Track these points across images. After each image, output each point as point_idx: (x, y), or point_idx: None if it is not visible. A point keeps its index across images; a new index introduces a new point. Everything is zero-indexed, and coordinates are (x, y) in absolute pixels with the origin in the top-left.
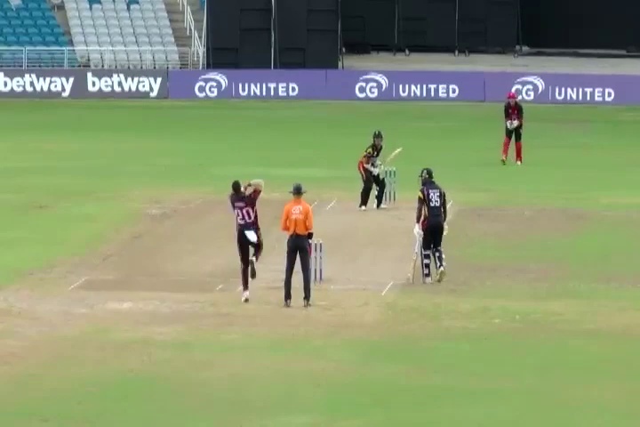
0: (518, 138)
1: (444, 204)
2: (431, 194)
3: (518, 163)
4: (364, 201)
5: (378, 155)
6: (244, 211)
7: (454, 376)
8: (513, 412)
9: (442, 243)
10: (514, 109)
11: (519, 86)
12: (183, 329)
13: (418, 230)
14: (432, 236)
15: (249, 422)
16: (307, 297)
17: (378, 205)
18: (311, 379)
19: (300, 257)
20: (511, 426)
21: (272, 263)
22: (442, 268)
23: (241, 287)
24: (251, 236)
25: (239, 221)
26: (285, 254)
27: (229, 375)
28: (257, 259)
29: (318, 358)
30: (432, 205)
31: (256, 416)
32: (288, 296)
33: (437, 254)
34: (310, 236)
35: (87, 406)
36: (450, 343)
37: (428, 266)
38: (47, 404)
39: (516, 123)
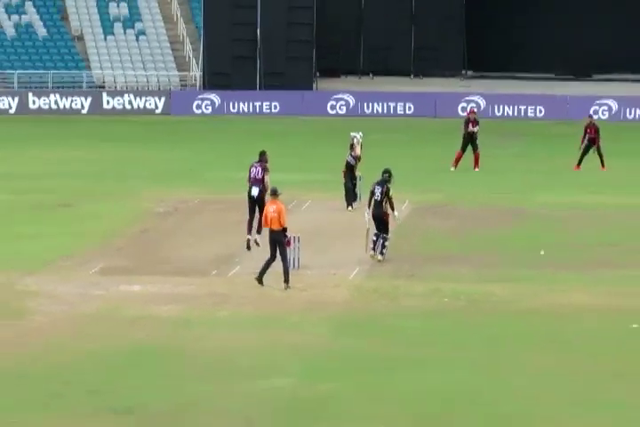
0: (476, 148)
1: (388, 198)
2: (375, 190)
3: (476, 170)
4: (349, 203)
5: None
6: (257, 169)
7: (411, 347)
8: (460, 376)
9: (389, 232)
10: (474, 123)
11: (464, 104)
12: (183, 307)
13: (367, 216)
14: (376, 223)
15: (239, 385)
16: (286, 281)
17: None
18: (291, 349)
19: (278, 248)
20: (458, 388)
21: (262, 252)
22: (379, 256)
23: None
24: (254, 191)
25: (251, 178)
26: None
27: (222, 346)
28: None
29: (296, 332)
30: (375, 198)
31: (244, 380)
32: (261, 275)
33: (381, 241)
34: (284, 231)
35: (102, 371)
36: (407, 319)
37: (374, 242)
38: (68, 369)
39: (476, 129)
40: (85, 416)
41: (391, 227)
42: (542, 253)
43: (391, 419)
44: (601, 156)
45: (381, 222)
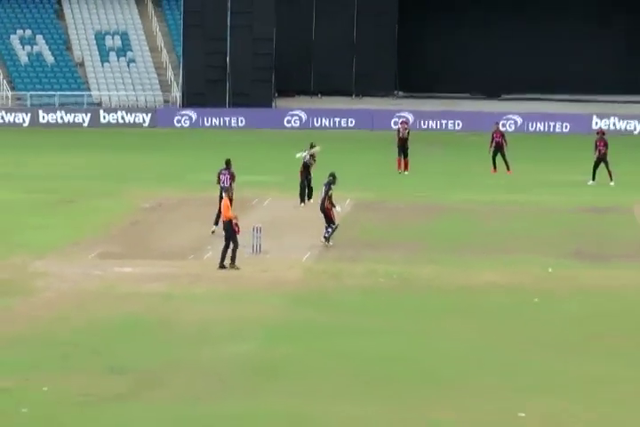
0: (406, 155)
1: (328, 196)
2: (323, 189)
3: (406, 173)
4: (302, 200)
5: (314, 160)
6: (226, 177)
7: (354, 317)
8: (394, 341)
9: (335, 223)
10: (406, 132)
11: (396, 119)
12: (166, 285)
13: (338, 208)
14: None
15: (212, 349)
16: (232, 262)
17: (302, 202)
18: (255, 319)
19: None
20: (393, 351)
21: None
22: (324, 241)
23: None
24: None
25: (221, 184)
26: None
27: (198, 317)
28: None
29: (259, 305)
30: (321, 196)
31: (217, 345)
32: (221, 262)
33: (327, 231)
34: (230, 222)
35: (101, 337)
36: (350, 295)
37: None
38: (74, 335)
39: (405, 142)
40: (89, 374)
41: (337, 220)
42: (536, 300)
43: (338, 377)
44: (506, 161)
45: (325, 216)
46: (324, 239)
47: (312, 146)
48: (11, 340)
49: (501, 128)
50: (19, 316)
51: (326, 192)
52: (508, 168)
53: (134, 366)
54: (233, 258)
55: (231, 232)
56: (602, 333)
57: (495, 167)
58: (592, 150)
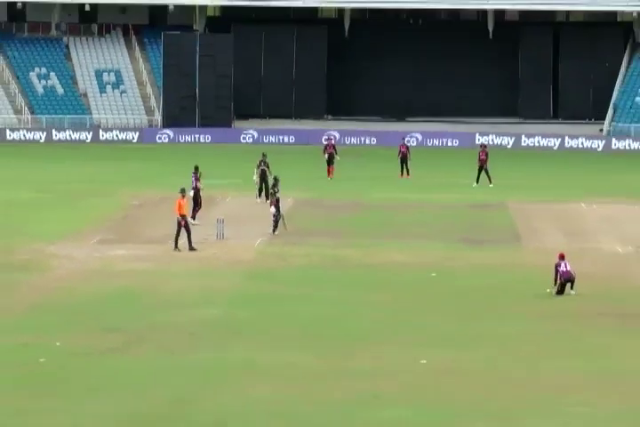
0: (332, 164)
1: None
2: (276, 190)
3: (330, 178)
4: (260, 195)
5: (268, 166)
6: (193, 179)
7: (296, 289)
8: (324, 308)
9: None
10: (332, 147)
11: (326, 137)
12: (150, 264)
13: (272, 207)
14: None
15: (185, 313)
16: (190, 246)
17: (258, 197)
18: (219, 290)
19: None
20: (324, 314)
21: (199, 230)
22: (272, 230)
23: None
24: (191, 192)
25: (192, 185)
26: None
27: (174, 288)
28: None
29: (222, 279)
30: (276, 196)
31: (188, 310)
32: (175, 246)
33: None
34: (182, 216)
35: (99, 304)
36: (293, 271)
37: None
38: (79, 303)
39: (332, 155)
40: (90, 333)
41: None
42: (433, 274)
43: (283, 334)
44: (408, 168)
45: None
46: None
47: (264, 155)
48: (30, 306)
49: (406, 143)
50: (36, 287)
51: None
52: (408, 173)
53: (125, 327)
54: (189, 242)
55: (180, 224)
56: (483, 299)
57: (402, 173)
58: (476, 160)
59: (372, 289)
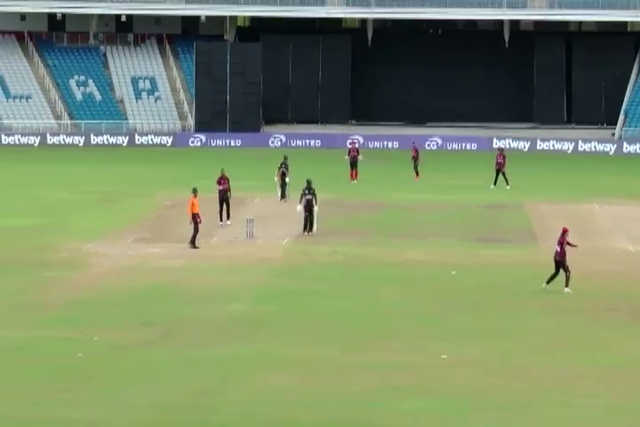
0: (355, 167)
1: (315, 197)
2: (306, 192)
3: (353, 181)
4: (283, 196)
5: (287, 169)
6: (222, 181)
7: (319, 284)
8: (347, 302)
9: (315, 219)
10: (356, 150)
11: (350, 140)
12: (183, 262)
13: (300, 207)
14: (305, 211)
15: (214, 307)
16: (192, 243)
17: (281, 198)
18: (246, 286)
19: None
20: (346, 308)
21: (229, 230)
22: (307, 232)
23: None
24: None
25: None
26: None
27: (205, 284)
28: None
29: (250, 275)
30: (306, 198)
31: (217, 304)
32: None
33: (310, 220)
34: (194, 215)
35: (136, 299)
36: (317, 268)
37: (305, 225)
38: (116, 299)
39: (360, 157)
40: (127, 327)
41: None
42: (453, 273)
43: (307, 328)
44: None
45: (310, 213)
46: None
47: (285, 158)
48: (69, 302)
49: (416, 146)
50: (76, 284)
51: (312, 193)
52: (417, 175)
53: (158, 321)
54: (193, 239)
55: (193, 223)
56: (499, 295)
57: (417, 175)
58: (493, 163)
59: (392, 285)
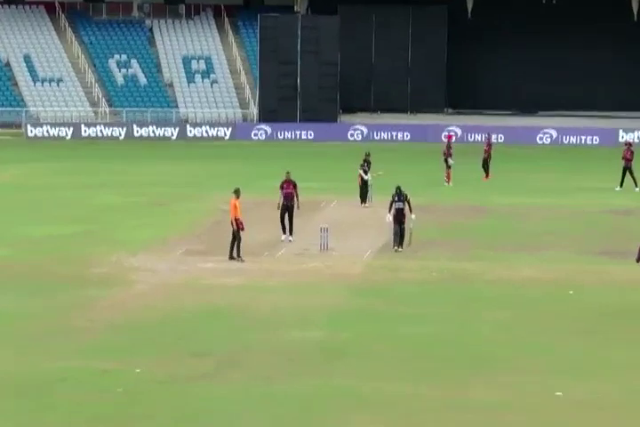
0: (448, 167)
1: (408, 204)
2: (396, 199)
3: (449, 184)
4: (364, 200)
5: (369, 167)
6: (289, 186)
7: (408, 306)
8: (441, 327)
9: (408, 231)
10: (450, 148)
11: (446, 133)
12: (242, 279)
13: (389, 217)
14: (395, 221)
15: (282, 334)
16: (238, 255)
17: (362, 202)
18: (320, 308)
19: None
20: (441, 333)
21: (298, 241)
22: (397, 247)
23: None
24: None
25: (284, 194)
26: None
27: (270, 306)
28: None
29: (324, 295)
30: (396, 206)
31: (286, 331)
32: (230, 253)
33: (399, 233)
34: (236, 220)
35: (186, 324)
36: (405, 287)
37: (395, 238)
38: (162, 322)
39: (451, 161)
40: (175, 357)
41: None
42: (571, 293)
43: (394, 359)
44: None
45: (400, 222)
46: (398, 247)
47: (367, 154)
48: (109, 326)
49: (491, 140)
50: (115, 305)
51: (408, 203)
52: (487, 174)
53: (214, 350)
54: (238, 250)
55: (234, 229)
56: (629, 322)
57: (487, 175)
58: (620, 160)
59: (496, 308)
